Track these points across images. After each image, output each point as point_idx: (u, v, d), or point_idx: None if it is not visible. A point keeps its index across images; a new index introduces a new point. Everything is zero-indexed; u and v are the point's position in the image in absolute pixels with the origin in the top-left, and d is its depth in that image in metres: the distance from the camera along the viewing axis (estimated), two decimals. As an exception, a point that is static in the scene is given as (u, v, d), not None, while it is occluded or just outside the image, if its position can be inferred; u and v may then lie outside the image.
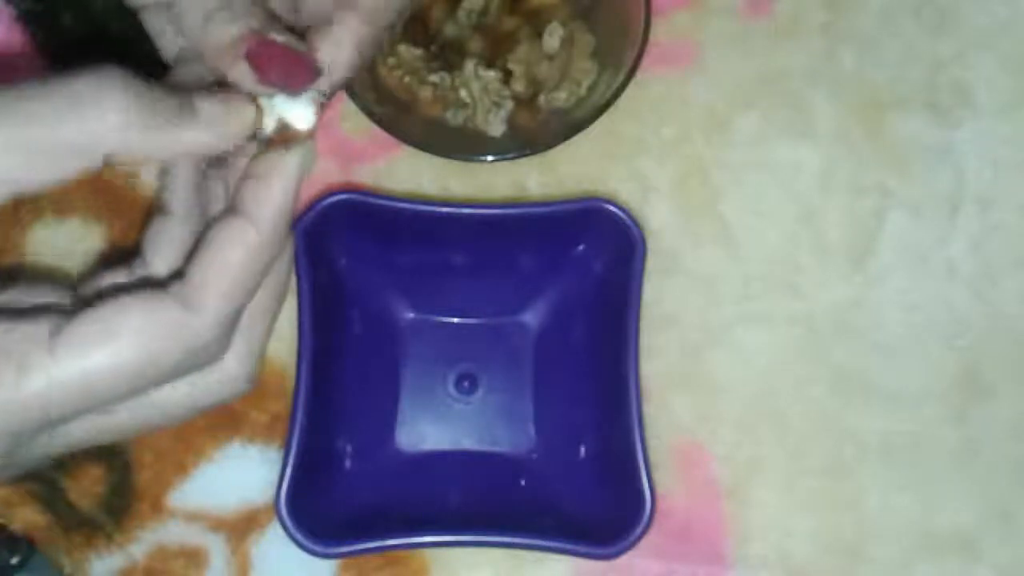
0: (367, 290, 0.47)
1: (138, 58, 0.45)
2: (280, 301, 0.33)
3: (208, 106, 0.30)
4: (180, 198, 0.33)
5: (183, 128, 0.29)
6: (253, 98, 0.32)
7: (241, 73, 0.32)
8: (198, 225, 0.33)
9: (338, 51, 0.33)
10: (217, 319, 0.30)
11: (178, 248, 0.33)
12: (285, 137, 0.33)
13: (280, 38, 0.32)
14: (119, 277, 0.33)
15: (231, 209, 0.31)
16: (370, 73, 0.48)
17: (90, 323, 0.28)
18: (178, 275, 0.30)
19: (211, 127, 0.30)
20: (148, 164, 0.30)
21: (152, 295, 0.29)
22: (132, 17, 0.46)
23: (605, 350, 0.45)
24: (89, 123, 0.27)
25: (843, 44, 0.49)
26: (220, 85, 0.33)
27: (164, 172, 0.33)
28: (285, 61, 0.32)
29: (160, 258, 0.32)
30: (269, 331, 0.33)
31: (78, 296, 0.32)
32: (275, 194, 0.31)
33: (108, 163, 0.28)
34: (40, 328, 0.28)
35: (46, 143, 0.27)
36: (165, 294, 0.29)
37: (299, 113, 0.33)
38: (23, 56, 0.49)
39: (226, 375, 0.32)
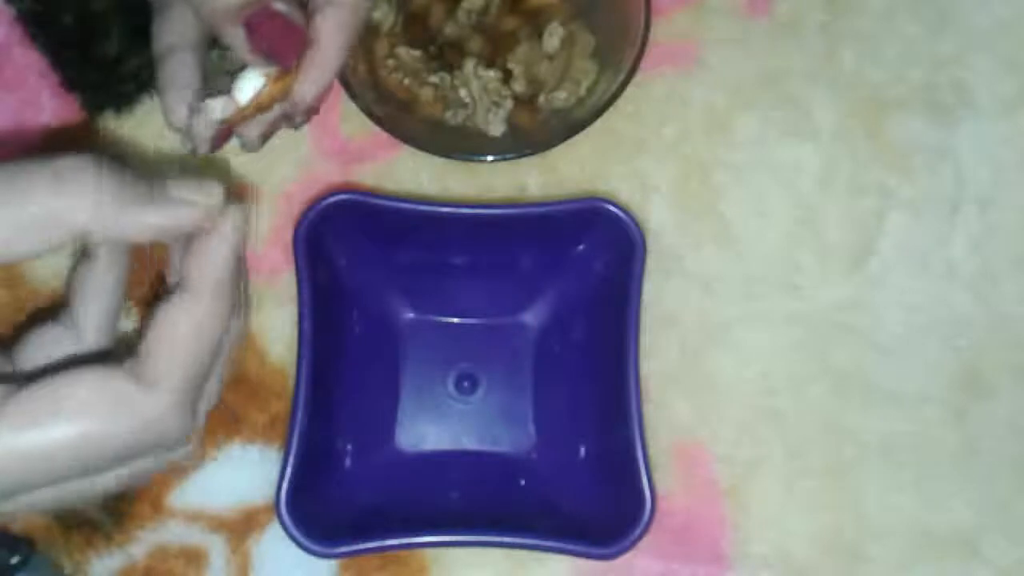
0: (367, 290, 0.47)
1: (138, 58, 0.46)
2: (229, 366, 0.34)
3: (178, 189, 0.30)
4: (107, 245, 0.33)
5: (153, 209, 0.29)
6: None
7: (236, 37, 0.32)
8: (122, 273, 0.33)
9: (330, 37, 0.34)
10: (171, 393, 0.29)
11: (104, 296, 0.33)
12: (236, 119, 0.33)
13: (282, 7, 0.32)
14: (51, 335, 0.33)
15: (179, 285, 0.31)
16: (370, 74, 0.48)
17: (39, 396, 0.28)
18: (129, 352, 0.30)
19: (180, 208, 0.30)
20: (121, 242, 0.30)
21: (101, 369, 0.29)
22: (132, 18, 0.46)
23: (605, 350, 0.45)
24: (68, 199, 0.28)
25: (843, 44, 0.49)
26: (205, 81, 0.34)
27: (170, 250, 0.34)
28: (280, 33, 0.32)
29: (89, 307, 0.33)
30: (213, 400, 0.34)
31: (14, 360, 0.32)
32: (213, 264, 0.31)
33: (83, 240, 0.29)
34: None
35: (27, 219, 0.27)
36: (118, 369, 0.29)
37: (248, 87, 0.34)
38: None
39: (180, 449, 0.32)
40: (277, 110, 0.38)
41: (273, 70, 0.35)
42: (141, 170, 0.30)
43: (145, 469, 0.32)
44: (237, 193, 0.33)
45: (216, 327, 0.31)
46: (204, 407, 0.33)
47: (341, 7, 0.36)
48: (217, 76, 0.38)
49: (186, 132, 0.38)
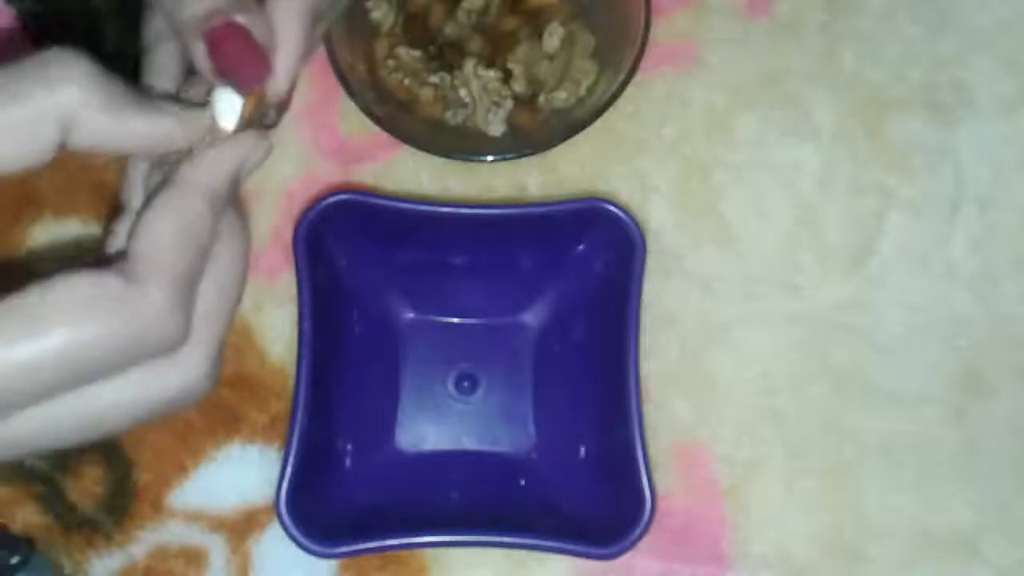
0: (367, 290, 0.47)
1: (137, 58, 0.45)
2: (233, 301, 0.32)
3: (167, 104, 0.30)
4: (139, 195, 0.33)
5: (139, 116, 0.29)
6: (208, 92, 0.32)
7: (200, 56, 0.32)
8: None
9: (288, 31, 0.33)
10: (161, 290, 0.28)
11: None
12: (216, 137, 0.33)
13: (243, 20, 0.32)
14: (120, 226, 0.32)
15: (165, 182, 0.31)
16: (370, 73, 0.48)
17: (28, 298, 0.27)
18: (120, 254, 0.30)
19: (167, 121, 0.30)
20: (104, 151, 0.29)
21: (92, 270, 0.28)
22: (131, 17, 0.46)
23: (605, 350, 0.45)
24: (56, 92, 0.27)
25: (843, 44, 0.49)
26: (190, 71, 0.34)
27: (124, 172, 0.34)
28: (241, 53, 0.32)
29: (137, 198, 0.32)
30: (225, 330, 0.32)
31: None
32: (207, 164, 0.31)
33: (68, 145, 0.28)
34: None
35: (16, 114, 0.27)
36: (107, 270, 0.28)
37: (230, 107, 0.33)
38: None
39: (184, 369, 0.30)
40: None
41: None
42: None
43: (156, 397, 0.30)
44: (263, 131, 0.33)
45: (202, 224, 0.30)
46: (211, 324, 0.31)
47: None
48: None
49: None
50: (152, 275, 0.28)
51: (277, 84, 0.34)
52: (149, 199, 0.30)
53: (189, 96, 0.34)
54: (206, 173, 0.31)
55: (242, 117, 0.33)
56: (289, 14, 0.34)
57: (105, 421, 0.30)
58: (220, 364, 0.32)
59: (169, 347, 0.29)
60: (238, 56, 0.32)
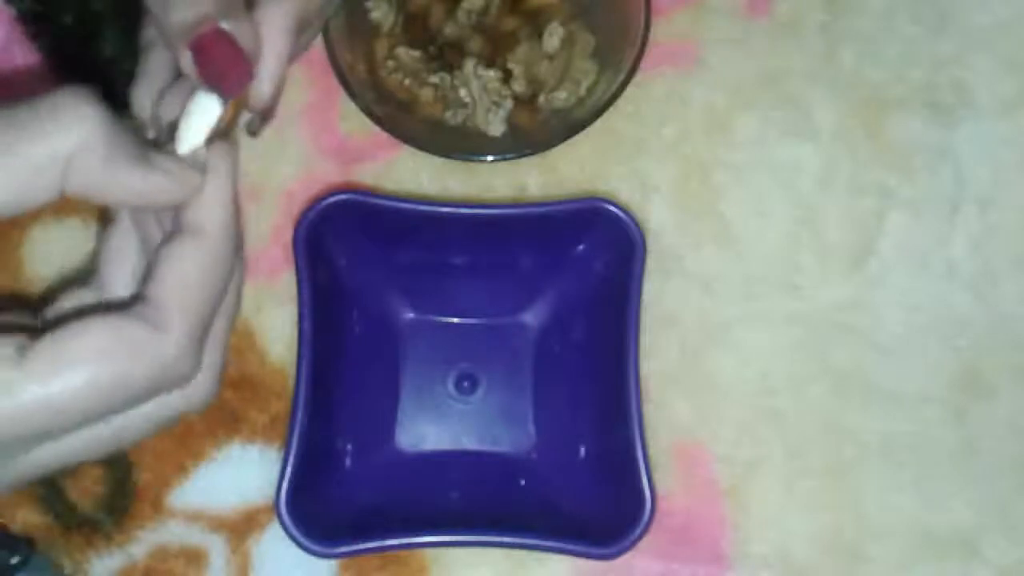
0: (367, 290, 0.47)
1: (135, 59, 0.45)
2: (232, 321, 0.33)
3: (164, 161, 0.30)
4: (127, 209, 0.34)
5: (136, 173, 0.29)
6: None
7: (186, 62, 0.32)
8: (147, 233, 0.33)
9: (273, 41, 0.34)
10: (184, 335, 0.30)
11: (130, 259, 0.33)
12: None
13: (228, 27, 0.32)
14: (80, 297, 0.33)
15: (177, 230, 0.31)
16: (370, 74, 0.48)
17: (59, 342, 0.28)
18: (138, 297, 0.31)
19: (162, 180, 0.30)
20: (93, 200, 0.30)
21: (117, 316, 0.29)
22: (131, 18, 0.46)
23: (605, 350, 0.45)
24: (68, 136, 0.28)
25: (843, 44, 0.49)
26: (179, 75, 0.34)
27: None
28: (225, 60, 0.32)
29: (115, 270, 0.33)
30: (227, 343, 0.33)
31: (42, 318, 0.32)
32: (217, 206, 0.31)
33: (66, 190, 0.28)
34: (6, 347, 0.28)
35: (24, 157, 0.27)
36: (129, 315, 0.29)
37: (207, 112, 0.33)
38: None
39: (192, 392, 0.32)
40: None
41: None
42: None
43: (161, 418, 0.32)
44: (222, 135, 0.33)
45: (224, 268, 0.31)
46: (217, 344, 0.33)
47: None
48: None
49: (151, 122, 0.37)
50: (175, 322, 0.30)
51: (261, 91, 0.34)
52: (165, 244, 0.31)
53: (168, 101, 0.34)
54: (218, 212, 0.31)
55: (221, 121, 0.33)
56: (275, 22, 0.34)
57: (118, 443, 0.31)
58: (221, 380, 0.33)
59: (185, 383, 0.31)
60: (223, 63, 0.32)
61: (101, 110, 0.28)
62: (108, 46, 0.47)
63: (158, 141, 0.35)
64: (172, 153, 0.31)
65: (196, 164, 0.31)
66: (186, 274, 0.30)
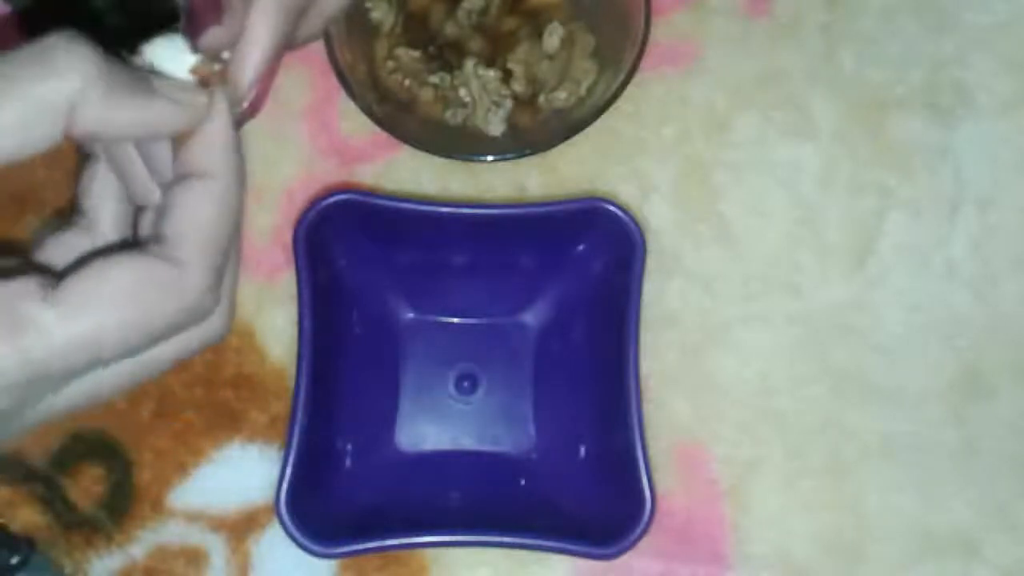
0: (367, 290, 0.47)
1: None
2: (239, 248, 0.34)
3: (166, 87, 0.31)
4: (103, 202, 0.34)
5: (140, 103, 0.30)
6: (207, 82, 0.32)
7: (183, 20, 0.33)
8: (129, 174, 0.34)
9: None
10: (204, 272, 0.30)
11: (114, 199, 0.34)
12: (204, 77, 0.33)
13: None
14: (70, 241, 0.33)
15: (184, 175, 0.32)
16: (370, 74, 0.48)
17: (87, 281, 0.29)
18: (154, 238, 0.31)
19: (166, 106, 0.30)
20: (104, 139, 0.30)
21: (137, 256, 0.30)
22: (132, 17, 0.46)
23: (605, 350, 0.45)
24: (61, 81, 0.28)
25: (843, 44, 0.49)
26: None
27: (79, 178, 0.34)
28: (204, 4, 0.33)
29: (103, 213, 0.33)
30: (237, 277, 0.34)
31: (34, 263, 0.32)
32: (222, 144, 0.32)
33: (70, 133, 0.28)
34: (28, 284, 0.28)
35: (20, 103, 0.28)
36: (150, 255, 0.30)
37: (175, 60, 0.33)
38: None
39: (210, 325, 0.32)
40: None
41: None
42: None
43: (183, 352, 0.32)
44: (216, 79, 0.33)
45: (236, 204, 0.32)
46: (229, 279, 0.33)
47: None
48: None
49: None
50: (195, 259, 0.30)
51: (241, 75, 0.35)
52: (176, 186, 0.31)
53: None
54: (224, 154, 0.32)
55: (195, 68, 0.33)
56: (266, 7, 0.34)
57: (139, 378, 0.32)
58: (234, 311, 0.34)
59: (206, 317, 0.31)
60: (202, 5, 0.33)
61: (92, 50, 0.29)
62: (108, 43, 0.47)
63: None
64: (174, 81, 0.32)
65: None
66: (202, 214, 0.31)
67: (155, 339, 0.30)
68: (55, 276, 0.30)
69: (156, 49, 0.33)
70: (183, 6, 0.33)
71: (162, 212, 0.31)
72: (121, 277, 0.29)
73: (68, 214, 0.34)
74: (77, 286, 0.29)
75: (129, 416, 0.47)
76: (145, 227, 0.34)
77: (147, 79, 0.30)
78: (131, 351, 0.30)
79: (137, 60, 0.33)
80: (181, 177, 0.32)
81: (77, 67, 0.28)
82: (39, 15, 0.48)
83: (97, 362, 0.29)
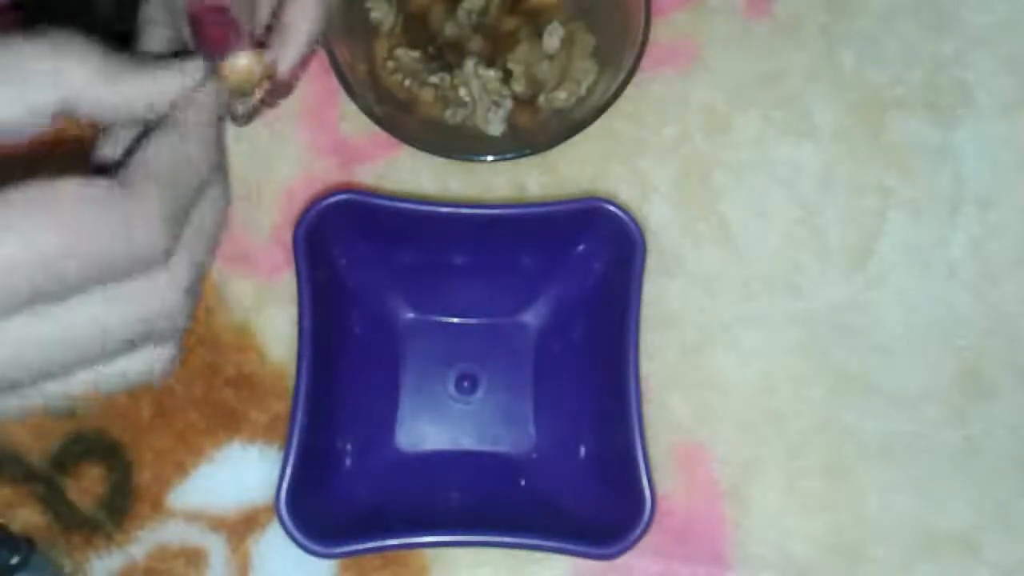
0: (367, 290, 0.47)
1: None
2: (219, 228, 0.32)
3: (164, 61, 0.31)
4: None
5: (139, 80, 0.29)
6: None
7: (188, 32, 0.33)
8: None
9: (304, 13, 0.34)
10: (151, 200, 0.27)
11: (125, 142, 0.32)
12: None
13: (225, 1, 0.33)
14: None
15: (160, 124, 0.31)
16: (370, 74, 0.48)
17: (6, 197, 0.26)
18: (119, 164, 0.29)
19: (166, 78, 0.30)
20: (109, 118, 0.30)
21: (91, 177, 0.27)
22: (134, 18, 0.46)
23: (605, 350, 0.45)
24: (59, 61, 0.28)
25: (843, 44, 0.49)
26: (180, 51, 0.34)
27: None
28: (214, 30, 0.33)
29: (110, 146, 0.31)
30: (210, 253, 0.31)
31: None
32: (202, 107, 0.31)
33: (73, 115, 0.28)
34: None
35: (17, 78, 0.28)
36: (104, 177, 0.28)
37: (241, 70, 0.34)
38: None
39: (162, 290, 0.29)
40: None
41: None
42: None
43: (126, 319, 0.28)
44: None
45: (200, 166, 0.30)
46: (198, 244, 0.30)
47: None
48: None
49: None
50: (147, 183, 0.28)
51: (284, 65, 0.35)
52: (145, 134, 0.30)
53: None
54: (197, 112, 0.31)
55: (257, 73, 0.34)
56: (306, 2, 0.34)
57: (81, 340, 0.28)
58: (197, 300, 0.31)
59: (153, 259, 0.28)
60: (214, 28, 0.33)
61: (86, 38, 0.29)
62: (101, 30, 0.47)
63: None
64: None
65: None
66: (161, 150, 0.29)
67: (91, 269, 0.26)
68: None
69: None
70: (187, 16, 0.33)
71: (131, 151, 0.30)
72: (56, 193, 0.26)
73: None
74: (4, 201, 0.26)
75: (129, 416, 0.47)
76: None
77: (143, 58, 0.31)
78: (63, 282, 0.26)
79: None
80: (155, 122, 0.31)
81: (73, 51, 0.28)
82: (41, 15, 0.48)
83: (22, 288, 0.26)
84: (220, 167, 0.32)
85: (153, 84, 0.30)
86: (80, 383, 0.29)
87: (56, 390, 0.29)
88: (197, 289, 0.31)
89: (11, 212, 0.26)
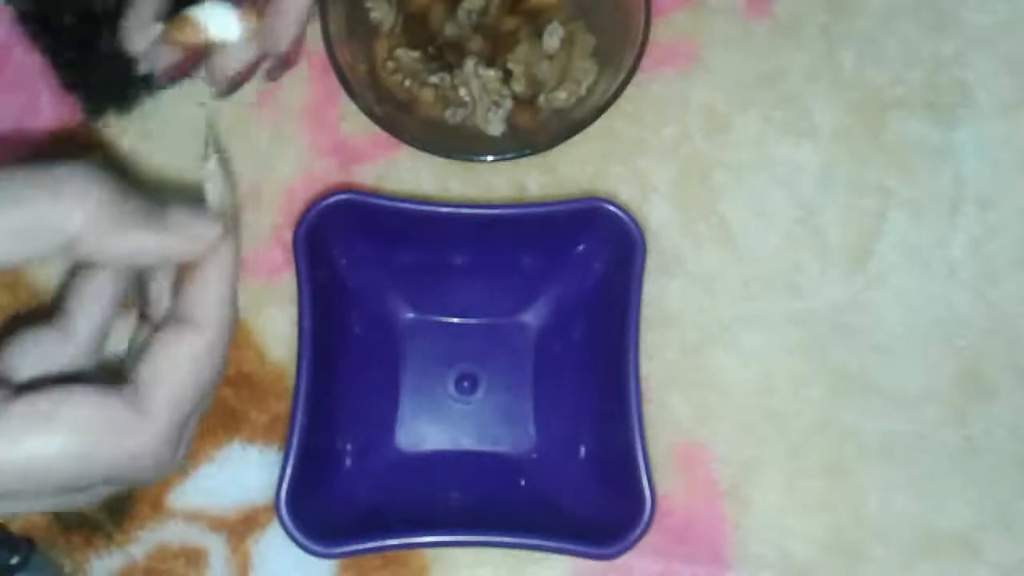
0: (367, 290, 0.47)
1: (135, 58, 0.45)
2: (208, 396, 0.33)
3: (177, 217, 0.30)
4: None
5: (147, 234, 0.29)
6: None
7: None
8: (121, 287, 0.33)
9: None
10: (166, 427, 0.29)
11: (102, 308, 0.33)
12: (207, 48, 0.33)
13: None
14: (41, 338, 0.32)
15: (175, 315, 0.31)
16: (370, 74, 0.48)
17: (37, 405, 0.28)
18: (127, 377, 0.30)
19: (174, 238, 0.30)
20: (110, 264, 0.30)
21: (102, 392, 0.29)
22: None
23: (605, 350, 0.45)
24: (63, 206, 0.28)
25: (843, 44, 0.49)
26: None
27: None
28: None
29: (84, 318, 0.32)
30: (195, 425, 0.33)
31: (4, 359, 0.32)
32: (216, 299, 0.31)
33: (72, 253, 0.28)
34: None
35: (19, 223, 0.27)
36: (114, 393, 0.29)
37: (225, 23, 0.33)
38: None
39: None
40: (251, 55, 0.38)
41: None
42: (140, 186, 0.29)
43: (133, 482, 0.31)
44: (227, 224, 0.32)
45: (216, 362, 0.31)
46: (189, 434, 0.32)
47: None
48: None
49: (144, 57, 0.37)
50: (162, 413, 0.29)
51: (283, 28, 0.34)
52: (162, 330, 0.31)
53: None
54: (218, 309, 0.31)
55: (244, 28, 0.33)
56: None
57: (88, 503, 0.31)
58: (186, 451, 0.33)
59: (157, 473, 0.30)
60: None
61: (106, 183, 0.28)
62: (111, 46, 0.47)
63: (151, 78, 0.35)
64: (164, 87, 0.31)
65: (215, 186, 0.31)
66: (180, 366, 0.30)
67: (94, 480, 0.29)
68: (11, 387, 0.29)
69: (205, 10, 0.33)
70: None
71: (145, 350, 0.31)
72: (75, 408, 0.28)
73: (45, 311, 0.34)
74: (27, 408, 0.28)
75: (129, 416, 0.47)
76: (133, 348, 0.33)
77: (158, 209, 0.30)
78: (66, 486, 0.29)
79: (191, 18, 0.33)
80: (172, 318, 0.31)
81: (84, 202, 0.28)
82: (41, 15, 0.48)
83: (27, 488, 0.28)
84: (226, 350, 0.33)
85: (162, 240, 0.30)
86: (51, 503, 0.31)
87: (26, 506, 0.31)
88: (186, 444, 0.33)
89: (37, 421, 0.28)
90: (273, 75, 0.38)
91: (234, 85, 0.40)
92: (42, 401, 0.28)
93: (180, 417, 0.30)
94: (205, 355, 0.31)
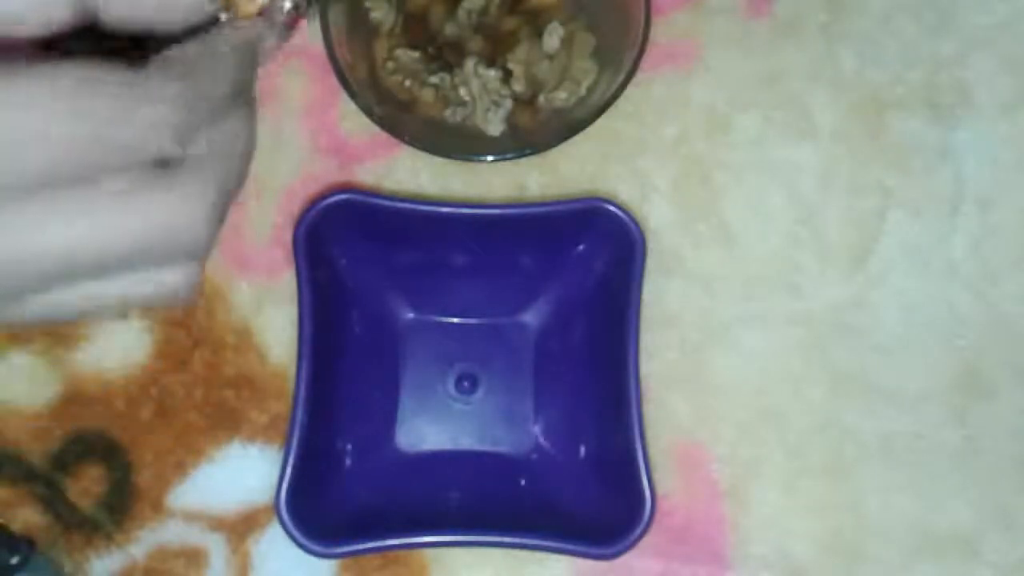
0: (367, 290, 0.47)
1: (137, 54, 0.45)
2: (245, 159, 0.29)
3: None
4: None
5: None
6: None
7: None
8: None
9: None
10: (171, 88, 0.26)
11: None
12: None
13: None
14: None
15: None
16: (370, 74, 0.48)
17: (28, 73, 0.24)
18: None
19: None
20: (137, 24, 0.28)
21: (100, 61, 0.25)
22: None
23: (605, 350, 0.45)
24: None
25: (843, 44, 0.49)
26: None
27: None
28: None
29: None
30: (236, 180, 0.29)
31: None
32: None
33: (101, 17, 0.26)
34: None
35: None
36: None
37: None
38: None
39: (180, 188, 0.27)
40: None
41: None
42: None
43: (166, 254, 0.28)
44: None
45: (228, 70, 0.28)
46: (216, 173, 0.28)
47: None
48: None
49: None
50: (165, 71, 0.26)
51: None
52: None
53: None
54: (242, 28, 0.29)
55: None
56: None
57: (102, 239, 0.26)
58: (221, 226, 0.29)
59: (164, 152, 0.26)
60: None
61: None
62: (118, 43, 0.47)
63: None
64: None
65: None
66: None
67: (98, 165, 0.25)
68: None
69: None
70: None
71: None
72: (65, 74, 0.24)
73: None
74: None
75: (129, 416, 0.47)
76: None
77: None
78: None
79: None
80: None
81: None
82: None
83: (70, 271, 0.25)
84: (250, 95, 0.30)
85: None
86: (105, 290, 0.27)
87: (78, 299, 0.27)
88: (223, 214, 0.29)
89: (15, 87, 0.24)
90: (279, 43, 0.37)
91: (279, 44, 0.39)
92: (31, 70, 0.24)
93: (193, 89, 0.27)
94: (253, 131, 0.29)
